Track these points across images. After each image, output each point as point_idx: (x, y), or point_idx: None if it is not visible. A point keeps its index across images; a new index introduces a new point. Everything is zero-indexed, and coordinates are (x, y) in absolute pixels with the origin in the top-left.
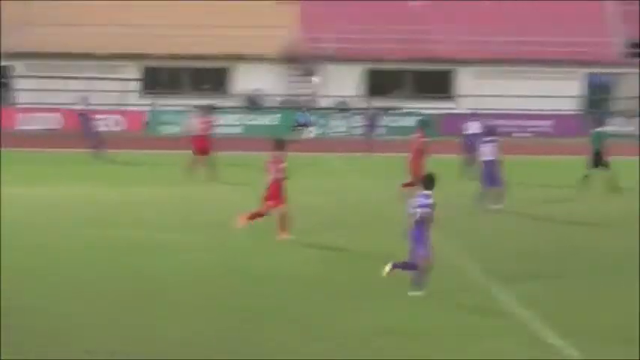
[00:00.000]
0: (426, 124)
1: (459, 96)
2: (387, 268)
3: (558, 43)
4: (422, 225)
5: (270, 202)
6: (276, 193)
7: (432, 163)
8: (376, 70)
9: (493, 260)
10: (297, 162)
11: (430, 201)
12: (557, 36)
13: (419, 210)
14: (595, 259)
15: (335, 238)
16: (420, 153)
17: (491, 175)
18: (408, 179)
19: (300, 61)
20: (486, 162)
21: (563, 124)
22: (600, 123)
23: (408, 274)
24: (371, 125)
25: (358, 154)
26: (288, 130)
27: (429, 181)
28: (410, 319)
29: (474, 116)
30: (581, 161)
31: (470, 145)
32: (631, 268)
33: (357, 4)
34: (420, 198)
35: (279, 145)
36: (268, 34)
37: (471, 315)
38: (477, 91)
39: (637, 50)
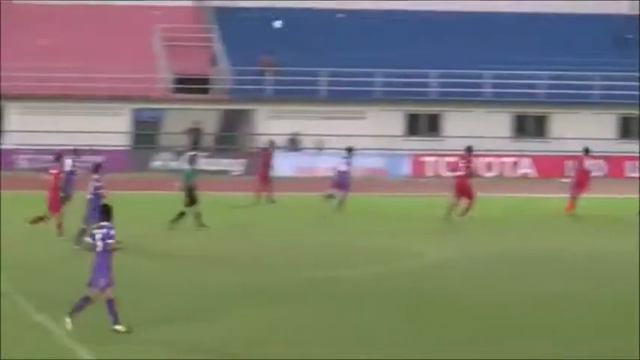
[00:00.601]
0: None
1: (6, 131)
2: (68, 319)
3: (107, 79)
4: (105, 255)
5: None
6: None
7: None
8: None
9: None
10: None
11: (112, 232)
12: (107, 73)
13: (103, 241)
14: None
15: None
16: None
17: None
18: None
19: None
20: (90, 199)
21: (114, 160)
22: (191, 161)
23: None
24: None
25: None
26: None
27: (106, 212)
28: None
29: (69, 152)
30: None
31: (67, 180)
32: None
33: None
34: (103, 230)
35: None
36: None
37: None
38: (25, 126)
39: (184, 86)
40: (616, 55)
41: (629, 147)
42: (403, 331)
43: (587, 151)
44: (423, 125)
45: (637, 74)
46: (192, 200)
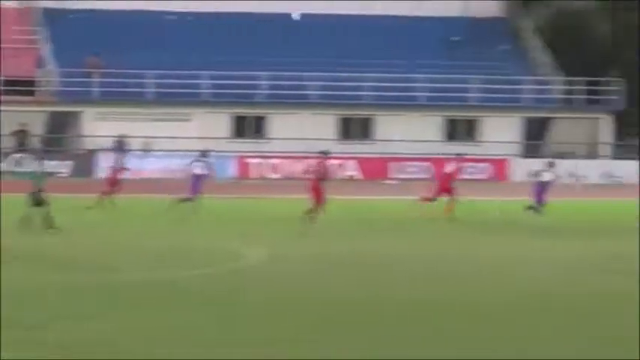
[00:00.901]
0: None
1: None
2: None
3: None
4: None
5: None
6: None
7: None
8: None
9: None
10: None
11: None
12: None
13: None
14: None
15: None
16: None
17: None
18: None
19: None
20: None
21: None
22: (39, 163)
23: None
24: None
25: None
26: None
27: None
28: None
29: None
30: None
31: None
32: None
33: None
34: None
35: None
36: None
37: None
38: None
39: (10, 88)
40: (443, 57)
41: (455, 149)
42: (213, 331)
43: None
44: (249, 127)
45: (464, 76)
46: (39, 202)
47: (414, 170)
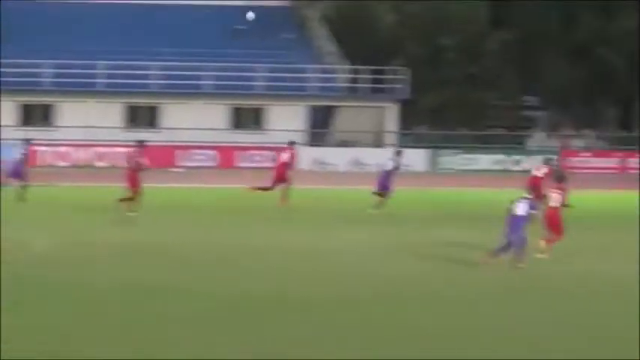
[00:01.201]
0: None
1: None
2: None
3: None
4: None
5: None
6: None
7: None
8: None
9: None
10: None
11: None
12: None
13: None
14: None
15: None
16: None
17: None
18: None
19: None
20: None
21: None
22: None
23: None
24: None
25: None
26: None
27: None
28: None
29: None
30: None
31: None
32: None
33: None
34: None
35: None
36: None
37: None
38: None
39: None
40: (229, 45)
41: (241, 137)
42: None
43: (292, 143)
44: (36, 115)
45: (250, 65)
46: None
47: (201, 158)
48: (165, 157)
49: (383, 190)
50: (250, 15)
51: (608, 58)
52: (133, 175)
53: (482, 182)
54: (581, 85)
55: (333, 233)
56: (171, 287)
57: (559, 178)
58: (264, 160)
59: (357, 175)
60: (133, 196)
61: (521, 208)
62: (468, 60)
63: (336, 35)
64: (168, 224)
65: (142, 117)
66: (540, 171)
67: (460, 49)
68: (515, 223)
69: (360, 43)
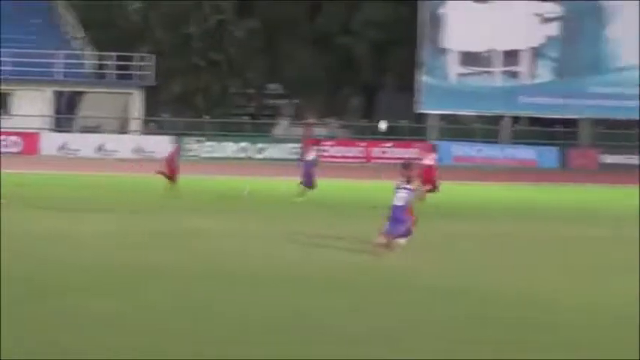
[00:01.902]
0: None
1: None
2: None
3: None
4: None
5: None
6: None
7: None
8: None
9: None
10: None
11: None
12: None
13: None
14: None
15: None
16: None
17: None
18: None
19: None
20: None
21: None
22: None
23: None
24: None
25: None
26: None
27: None
28: None
29: None
30: None
31: None
32: None
33: None
34: None
35: None
36: None
37: None
38: None
39: None
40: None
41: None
42: None
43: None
44: None
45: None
46: None
47: None
48: None
49: (307, 179)
50: None
51: (352, 47)
52: None
53: (226, 170)
54: (326, 74)
55: None
56: None
57: (406, 166)
58: (10, 146)
59: (101, 162)
60: None
61: (399, 198)
62: (213, 48)
63: (83, 21)
64: None
65: None
66: (429, 158)
67: (205, 37)
68: (397, 213)
69: (108, 30)
